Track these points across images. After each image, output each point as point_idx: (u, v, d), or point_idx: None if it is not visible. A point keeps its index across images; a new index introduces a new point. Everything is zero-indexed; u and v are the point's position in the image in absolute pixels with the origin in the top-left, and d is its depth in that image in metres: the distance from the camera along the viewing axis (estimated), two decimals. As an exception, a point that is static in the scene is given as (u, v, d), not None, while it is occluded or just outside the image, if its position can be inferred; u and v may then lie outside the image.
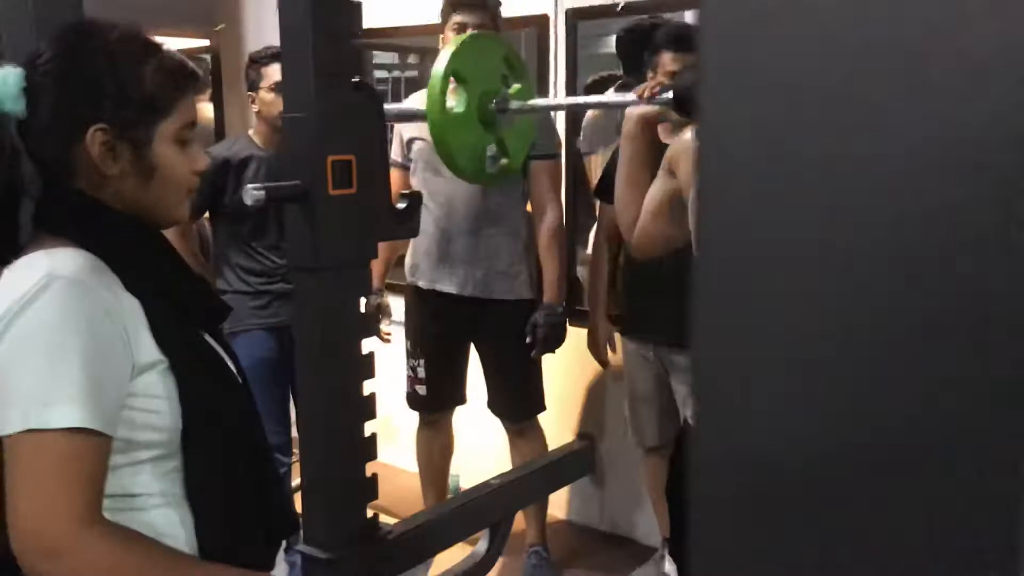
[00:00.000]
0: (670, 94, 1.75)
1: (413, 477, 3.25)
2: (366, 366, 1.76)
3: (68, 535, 0.92)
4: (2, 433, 0.96)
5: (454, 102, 1.74)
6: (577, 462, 2.29)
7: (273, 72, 2.67)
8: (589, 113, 3.31)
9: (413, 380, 2.98)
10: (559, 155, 2.87)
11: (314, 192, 1.60)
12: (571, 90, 3.19)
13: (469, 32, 1.80)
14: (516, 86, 1.83)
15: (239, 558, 1.09)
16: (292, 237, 1.67)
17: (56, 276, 0.98)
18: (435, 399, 3.01)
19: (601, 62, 3.30)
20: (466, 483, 3.67)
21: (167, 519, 1.06)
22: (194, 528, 1.08)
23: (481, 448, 3.46)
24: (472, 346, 2.99)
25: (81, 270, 1.01)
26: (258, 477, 1.14)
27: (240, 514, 1.11)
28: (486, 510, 2.05)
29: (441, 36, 2.69)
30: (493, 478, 2.18)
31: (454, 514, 1.97)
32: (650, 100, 1.76)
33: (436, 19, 2.74)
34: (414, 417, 3.11)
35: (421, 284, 2.85)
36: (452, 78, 1.74)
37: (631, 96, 1.81)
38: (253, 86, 2.72)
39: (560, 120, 3.12)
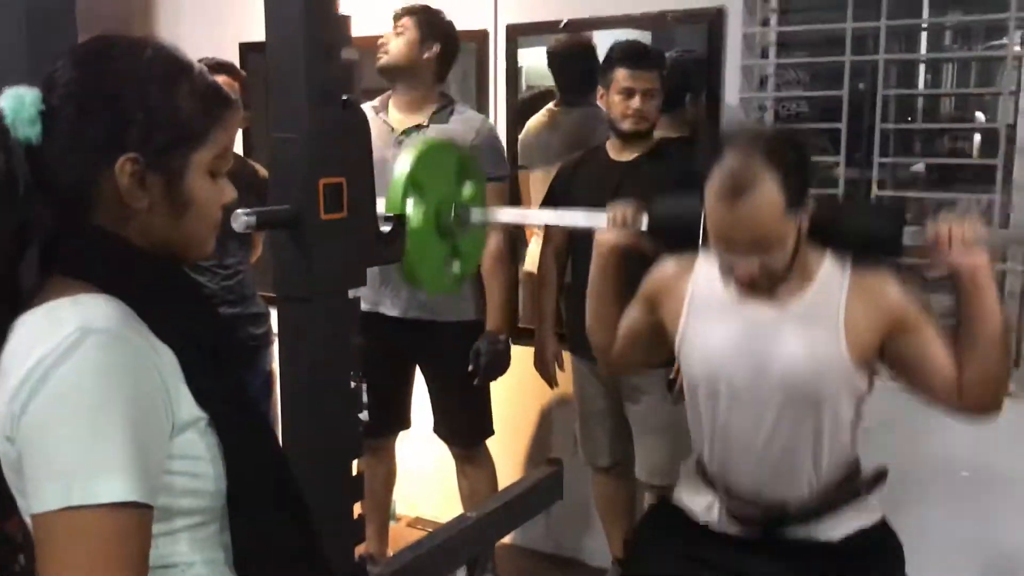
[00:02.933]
0: (644, 221, 1.70)
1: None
2: (356, 399, 1.67)
3: None
4: (37, 511, 0.83)
5: (411, 213, 1.67)
6: (549, 488, 2.25)
7: None
8: (527, 128, 3.27)
9: (355, 406, 2.86)
10: (506, 178, 2.80)
11: (305, 217, 1.51)
12: (511, 106, 3.15)
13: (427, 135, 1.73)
14: (469, 188, 1.78)
15: None
16: (280, 265, 1.57)
17: (90, 329, 0.86)
18: (378, 425, 2.87)
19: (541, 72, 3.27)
20: (402, 509, 3.56)
21: None
22: None
23: (420, 473, 3.36)
24: (417, 369, 2.89)
25: (116, 320, 0.89)
26: (303, 533, 1.04)
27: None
28: (466, 544, 1.99)
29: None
30: (469, 512, 2.11)
31: (437, 551, 1.90)
32: (624, 225, 1.71)
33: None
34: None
35: (362, 307, 2.74)
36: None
37: (602, 218, 1.74)
38: None
39: (502, 137, 3.07)
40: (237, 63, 3.46)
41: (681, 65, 2.81)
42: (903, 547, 1.75)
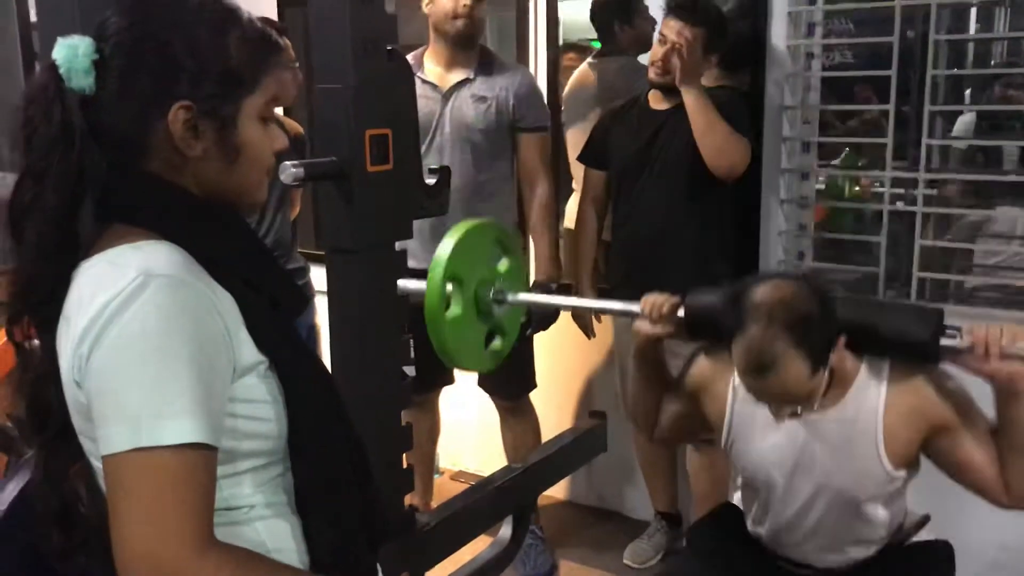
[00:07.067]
0: (681, 312, 1.66)
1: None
2: (404, 351, 1.68)
3: (186, 563, 0.83)
4: (105, 452, 0.85)
5: (450, 301, 1.61)
6: (593, 441, 2.25)
7: None
8: (569, 85, 3.23)
9: (400, 361, 2.88)
10: (548, 127, 2.78)
11: (352, 168, 1.51)
12: (551, 60, 3.11)
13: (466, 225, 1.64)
14: (505, 263, 1.71)
15: (347, 566, 1.01)
16: (327, 217, 1.57)
17: (153, 274, 0.87)
18: (424, 379, 2.90)
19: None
20: (446, 463, 3.60)
21: (276, 531, 0.97)
22: (304, 538, 0.99)
23: (463, 427, 3.39)
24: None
25: (178, 266, 0.90)
26: (361, 477, 1.05)
27: (348, 519, 1.02)
28: (512, 496, 2.00)
29: None
30: (515, 463, 2.12)
31: (483, 502, 1.92)
32: (660, 318, 1.67)
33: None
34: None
35: (412, 264, 2.73)
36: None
37: (636, 308, 1.70)
38: None
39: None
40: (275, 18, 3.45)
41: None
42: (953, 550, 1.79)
